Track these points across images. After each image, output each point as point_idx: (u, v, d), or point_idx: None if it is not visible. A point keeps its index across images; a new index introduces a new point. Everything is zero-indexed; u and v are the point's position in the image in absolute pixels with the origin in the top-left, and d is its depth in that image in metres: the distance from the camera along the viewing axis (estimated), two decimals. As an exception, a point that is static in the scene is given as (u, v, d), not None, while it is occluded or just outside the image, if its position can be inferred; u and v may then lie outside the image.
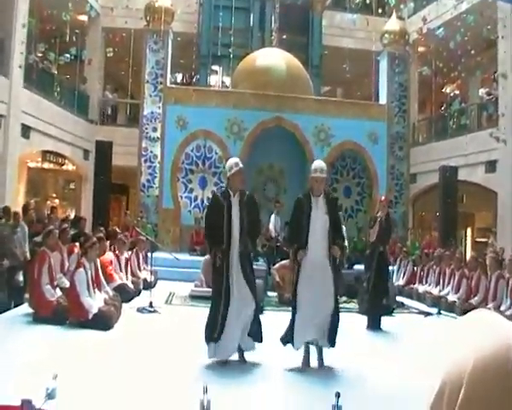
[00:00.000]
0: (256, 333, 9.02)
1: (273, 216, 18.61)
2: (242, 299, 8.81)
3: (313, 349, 9.08)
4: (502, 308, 13.96)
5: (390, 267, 18.08)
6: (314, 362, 9.01)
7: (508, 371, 0.99)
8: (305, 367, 8.91)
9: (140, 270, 16.44)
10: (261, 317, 12.62)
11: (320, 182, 9.20)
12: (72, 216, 22.79)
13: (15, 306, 12.31)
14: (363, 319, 12.99)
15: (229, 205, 8.93)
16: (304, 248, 8.96)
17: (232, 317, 8.75)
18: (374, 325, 12.73)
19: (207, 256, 12.71)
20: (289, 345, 9.01)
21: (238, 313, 8.77)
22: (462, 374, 1.02)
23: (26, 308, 11.59)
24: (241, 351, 9.03)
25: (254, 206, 9.25)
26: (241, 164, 9.45)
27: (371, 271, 13.20)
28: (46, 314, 10.76)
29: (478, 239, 27.90)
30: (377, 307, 13.02)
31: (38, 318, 10.82)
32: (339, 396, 6.20)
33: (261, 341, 9.08)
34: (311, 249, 8.96)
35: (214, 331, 8.72)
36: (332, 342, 9.01)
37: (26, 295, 12.36)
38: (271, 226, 18.42)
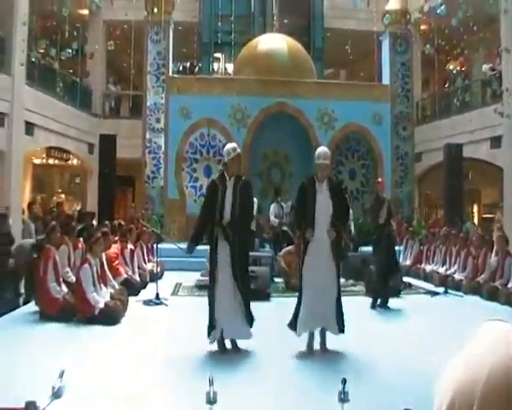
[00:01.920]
0: (247, 317, 9.04)
1: (273, 205, 18.63)
2: (228, 284, 8.88)
3: (317, 333, 9.14)
4: (509, 285, 13.94)
5: (396, 248, 18.18)
6: (317, 346, 9.08)
7: None
8: (309, 352, 8.96)
9: (145, 262, 16.49)
10: (267, 303, 12.80)
11: (324, 168, 9.26)
12: (78, 210, 22.85)
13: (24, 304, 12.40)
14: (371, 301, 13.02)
15: (224, 189, 8.99)
16: (312, 227, 9.02)
17: (219, 302, 8.84)
18: (384, 305, 12.84)
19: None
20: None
21: (225, 299, 8.84)
22: (475, 388, 0.94)
23: (33, 307, 11.61)
24: (232, 340, 9.12)
25: (248, 191, 9.23)
26: (239, 149, 9.49)
27: (381, 252, 13.17)
28: (53, 312, 10.79)
29: (484, 215, 27.90)
30: (388, 287, 13.13)
31: (45, 316, 10.86)
32: (345, 382, 6.24)
33: (251, 325, 9.09)
34: (317, 235, 9.01)
35: (213, 320, 8.83)
36: (341, 329, 9.07)
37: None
38: (272, 217, 18.44)
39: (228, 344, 9.09)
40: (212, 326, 8.87)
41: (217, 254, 8.92)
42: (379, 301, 12.90)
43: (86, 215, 17.23)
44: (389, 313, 12.53)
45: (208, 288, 9.29)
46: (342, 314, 9.13)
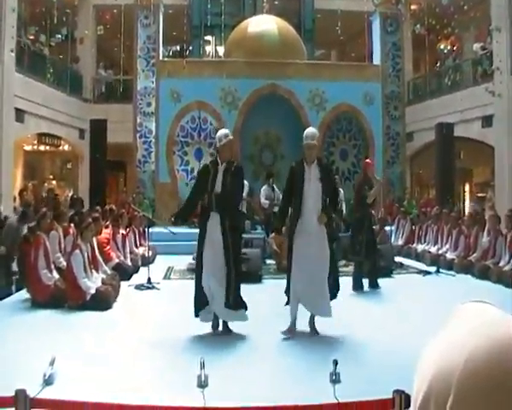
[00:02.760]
0: (234, 303, 8.99)
1: (264, 187, 18.63)
2: (217, 265, 8.89)
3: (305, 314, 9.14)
4: (500, 264, 13.99)
5: (388, 228, 18.11)
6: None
7: (504, 375, 0.83)
8: (292, 332, 8.96)
9: (137, 247, 16.46)
10: (259, 285, 12.78)
11: (311, 149, 9.22)
12: (70, 196, 22.82)
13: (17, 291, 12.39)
14: (363, 282, 12.99)
15: (215, 172, 9.04)
16: (297, 217, 9.04)
17: (208, 282, 8.86)
18: (376, 284, 12.84)
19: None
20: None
21: (214, 279, 8.85)
22: (451, 379, 0.86)
23: (25, 294, 11.59)
24: (224, 322, 9.12)
25: (238, 175, 9.26)
26: (231, 135, 9.54)
27: (366, 232, 13.08)
28: (44, 299, 10.79)
29: (476, 194, 27.91)
30: (376, 267, 13.14)
31: (37, 303, 10.86)
32: (336, 364, 6.26)
33: (244, 307, 9.08)
34: (305, 218, 9.00)
35: (201, 300, 8.90)
36: (328, 312, 9.07)
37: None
38: (262, 199, 18.46)
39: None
40: (200, 304, 8.92)
41: (207, 227, 8.96)
42: (366, 281, 12.88)
43: (77, 201, 17.19)
44: (381, 293, 12.55)
45: (196, 265, 9.35)
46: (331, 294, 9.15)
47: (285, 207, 9.58)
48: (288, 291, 9.09)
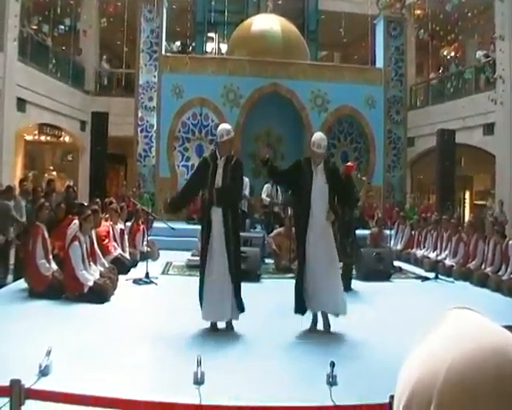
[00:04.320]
0: (237, 302, 8.97)
1: (267, 185, 18.55)
2: (219, 265, 8.83)
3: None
4: (499, 273, 13.93)
5: (387, 232, 18.06)
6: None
7: (484, 383, 0.81)
8: (312, 331, 9.02)
9: (143, 242, 16.35)
10: (257, 284, 12.75)
11: (317, 156, 9.17)
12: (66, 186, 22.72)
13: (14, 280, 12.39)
14: (361, 285, 12.99)
15: (215, 166, 8.95)
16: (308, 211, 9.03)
17: (209, 281, 8.82)
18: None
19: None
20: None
21: (214, 278, 8.80)
22: (433, 384, 0.84)
23: (22, 283, 11.56)
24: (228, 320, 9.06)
25: (238, 169, 9.19)
26: (233, 132, 9.43)
27: (353, 235, 13.13)
28: (41, 289, 10.75)
29: (476, 202, 27.89)
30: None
31: (34, 293, 10.82)
32: (333, 366, 6.23)
33: (242, 310, 9.02)
34: (314, 218, 9.00)
35: (201, 294, 8.86)
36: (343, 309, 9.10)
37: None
38: (264, 196, 18.39)
39: (221, 324, 9.05)
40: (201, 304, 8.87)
41: (211, 222, 8.89)
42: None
43: (69, 190, 17.26)
44: (380, 297, 12.49)
45: (200, 264, 9.28)
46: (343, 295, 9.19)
47: (281, 173, 9.63)
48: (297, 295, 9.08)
